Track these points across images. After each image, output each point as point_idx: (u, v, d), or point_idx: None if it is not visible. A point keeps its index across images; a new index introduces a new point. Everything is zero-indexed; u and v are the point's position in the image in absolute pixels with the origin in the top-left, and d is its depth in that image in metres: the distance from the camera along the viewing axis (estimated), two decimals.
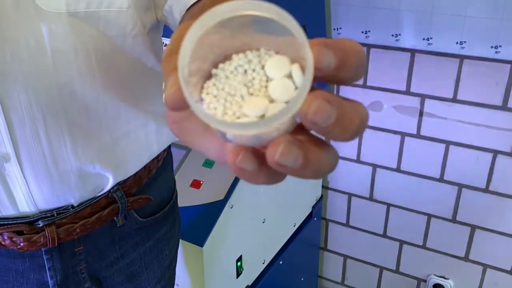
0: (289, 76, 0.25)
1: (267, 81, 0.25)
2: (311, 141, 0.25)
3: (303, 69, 0.25)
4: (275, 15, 0.24)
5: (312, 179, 0.25)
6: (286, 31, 0.24)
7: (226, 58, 0.26)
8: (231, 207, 1.15)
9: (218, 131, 0.26)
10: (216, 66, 0.26)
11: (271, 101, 0.25)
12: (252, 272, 1.34)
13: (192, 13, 0.51)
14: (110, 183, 0.65)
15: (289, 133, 0.25)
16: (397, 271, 1.71)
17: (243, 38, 0.26)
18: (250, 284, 1.34)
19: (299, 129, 0.26)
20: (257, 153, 0.25)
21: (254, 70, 0.25)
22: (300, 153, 0.24)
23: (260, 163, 0.25)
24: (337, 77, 0.25)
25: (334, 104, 0.24)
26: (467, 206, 1.48)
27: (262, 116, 0.24)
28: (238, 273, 1.25)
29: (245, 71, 0.26)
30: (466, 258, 1.56)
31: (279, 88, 0.25)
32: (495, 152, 1.38)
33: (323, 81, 0.25)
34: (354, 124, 0.25)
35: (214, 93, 0.25)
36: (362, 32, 1.41)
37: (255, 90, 0.25)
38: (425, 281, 1.66)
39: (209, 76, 0.26)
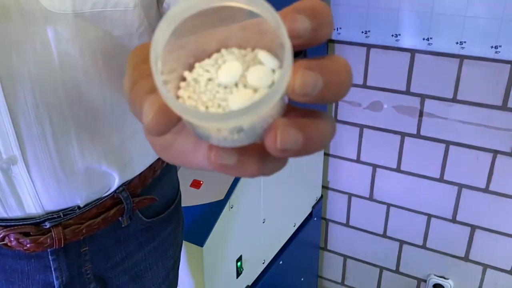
0: (243, 79, 0.24)
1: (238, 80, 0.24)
2: (303, 115, 0.24)
3: (271, 51, 0.24)
4: (243, 3, 0.23)
5: (315, 152, 0.24)
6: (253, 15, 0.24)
7: (196, 59, 0.25)
8: (231, 207, 1.15)
9: (204, 136, 0.25)
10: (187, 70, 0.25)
11: (254, 91, 0.24)
12: (252, 272, 1.34)
13: None
14: (116, 183, 0.65)
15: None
16: (397, 271, 1.71)
17: (205, 37, 0.25)
18: (250, 284, 1.34)
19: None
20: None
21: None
22: (299, 133, 0.23)
23: (240, 153, 0.24)
24: (316, 38, 0.24)
25: (316, 69, 0.23)
26: (467, 206, 1.48)
27: None
28: (238, 273, 1.25)
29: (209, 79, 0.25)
30: (466, 258, 1.56)
31: (257, 75, 0.24)
32: (495, 152, 1.38)
33: (303, 47, 0.25)
34: (344, 79, 0.24)
35: (192, 98, 0.24)
36: (362, 32, 1.41)
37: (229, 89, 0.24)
38: (425, 281, 1.66)
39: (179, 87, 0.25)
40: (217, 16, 0.25)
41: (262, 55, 0.24)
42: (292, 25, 0.23)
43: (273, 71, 0.24)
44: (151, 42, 0.23)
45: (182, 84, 0.25)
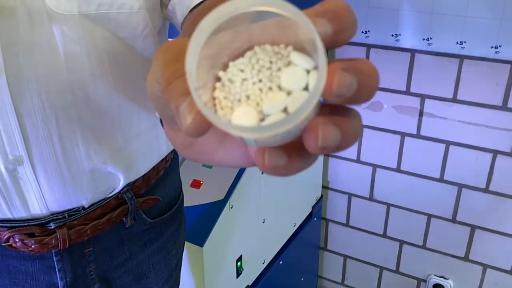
0: (276, 79, 0.24)
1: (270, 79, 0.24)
2: (335, 112, 0.25)
3: (301, 50, 0.24)
4: (275, 8, 0.23)
5: (348, 148, 0.25)
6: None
7: (229, 58, 0.25)
8: (231, 207, 1.15)
9: (241, 138, 0.25)
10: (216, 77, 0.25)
11: (288, 93, 0.24)
12: (252, 272, 1.34)
13: (191, 18, 0.51)
14: (121, 184, 0.65)
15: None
16: (397, 271, 1.71)
17: (233, 34, 0.25)
18: (250, 284, 1.34)
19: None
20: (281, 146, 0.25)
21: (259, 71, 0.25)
22: (337, 130, 0.23)
23: (288, 153, 0.25)
24: (338, 40, 0.24)
25: (351, 70, 0.23)
26: (467, 206, 1.48)
27: (285, 111, 0.24)
28: (238, 273, 1.25)
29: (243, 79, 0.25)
30: (466, 258, 1.56)
31: (291, 77, 0.24)
32: (495, 152, 1.38)
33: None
34: (373, 82, 0.24)
35: (228, 99, 0.24)
36: (362, 32, 1.41)
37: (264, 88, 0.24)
38: (425, 281, 1.67)
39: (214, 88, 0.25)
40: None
41: (295, 56, 0.24)
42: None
43: (307, 72, 0.24)
44: (186, 57, 0.23)
45: (218, 84, 0.25)
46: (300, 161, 0.25)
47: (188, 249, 1.10)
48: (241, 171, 1.18)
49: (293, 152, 0.25)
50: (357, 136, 0.25)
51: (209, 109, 0.23)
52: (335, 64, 0.23)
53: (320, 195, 1.68)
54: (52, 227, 0.61)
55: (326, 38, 0.24)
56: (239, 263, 1.24)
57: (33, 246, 0.61)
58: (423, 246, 1.61)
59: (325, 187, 1.70)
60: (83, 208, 0.63)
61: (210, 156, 0.29)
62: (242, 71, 0.25)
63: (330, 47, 0.24)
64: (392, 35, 1.38)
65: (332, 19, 0.23)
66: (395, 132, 1.50)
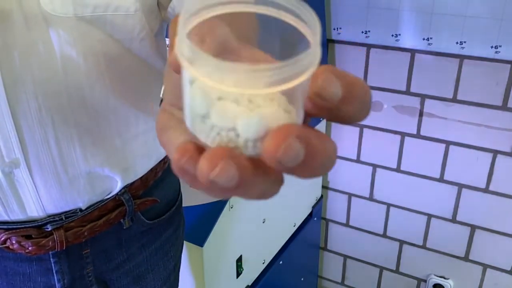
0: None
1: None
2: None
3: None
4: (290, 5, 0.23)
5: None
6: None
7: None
8: (231, 207, 1.15)
9: (198, 130, 0.23)
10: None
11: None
12: (252, 272, 1.34)
13: None
14: (118, 186, 0.65)
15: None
16: (397, 271, 1.71)
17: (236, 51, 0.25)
18: (250, 284, 1.34)
19: None
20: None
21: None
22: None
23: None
24: (341, 111, 0.23)
25: (303, 141, 0.21)
26: (467, 206, 1.48)
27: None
28: (238, 273, 1.25)
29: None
30: (466, 258, 1.56)
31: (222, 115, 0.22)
32: (495, 152, 1.38)
33: (323, 115, 0.23)
34: (327, 158, 0.22)
35: None
36: (362, 32, 1.41)
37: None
38: (425, 281, 1.67)
39: None
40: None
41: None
42: (322, 83, 0.22)
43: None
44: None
45: None
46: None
47: (188, 249, 1.10)
48: None
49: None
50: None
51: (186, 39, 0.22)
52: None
53: (320, 195, 1.68)
54: (49, 229, 0.61)
55: (333, 103, 0.22)
56: (239, 263, 1.24)
57: (30, 248, 0.61)
58: (423, 246, 1.61)
59: (325, 187, 1.70)
60: (80, 210, 0.63)
61: None
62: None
63: (331, 116, 0.23)
64: (392, 35, 1.38)
65: (346, 85, 0.22)
66: (395, 132, 1.50)
